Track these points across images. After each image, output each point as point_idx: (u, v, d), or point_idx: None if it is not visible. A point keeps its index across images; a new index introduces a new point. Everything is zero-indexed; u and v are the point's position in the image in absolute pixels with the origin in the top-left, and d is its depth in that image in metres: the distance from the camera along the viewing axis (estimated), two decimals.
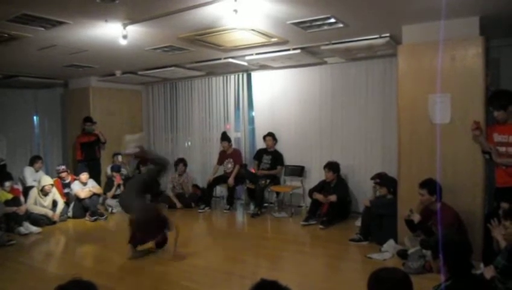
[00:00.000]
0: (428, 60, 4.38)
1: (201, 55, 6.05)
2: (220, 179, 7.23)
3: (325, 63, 6.50)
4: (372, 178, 5.45)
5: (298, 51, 5.61)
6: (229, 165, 7.14)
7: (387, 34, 4.86)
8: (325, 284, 3.86)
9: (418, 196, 4.14)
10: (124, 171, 7.68)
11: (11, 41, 4.68)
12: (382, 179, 5.25)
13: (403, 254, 4.20)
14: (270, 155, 6.99)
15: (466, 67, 4.18)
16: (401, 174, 4.67)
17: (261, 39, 4.96)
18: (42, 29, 4.25)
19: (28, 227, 5.79)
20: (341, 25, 4.41)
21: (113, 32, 4.36)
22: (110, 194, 7.26)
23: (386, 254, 4.43)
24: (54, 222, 6.23)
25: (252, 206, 6.87)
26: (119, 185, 7.30)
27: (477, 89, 4.14)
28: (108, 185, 7.39)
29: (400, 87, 4.62)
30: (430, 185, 4.04)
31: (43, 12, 3.78)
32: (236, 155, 7.21)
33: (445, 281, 2.25)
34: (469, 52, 4.17)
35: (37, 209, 6.11)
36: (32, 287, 3.84)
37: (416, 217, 4.10)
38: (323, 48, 5.36)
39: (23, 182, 7.02)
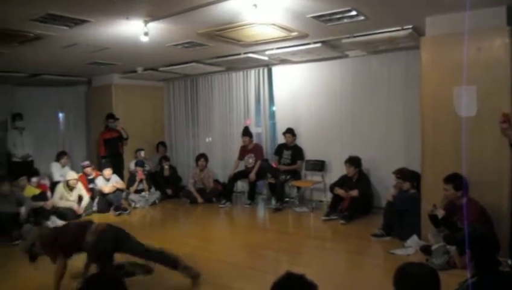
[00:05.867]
0: (453, 52, 4.26)
1: (222, 51, 6.06)
2: (241, 174, 7.26)
3: (346, 56, 6.42)
4: (394, 172, 5.37)
5: (318, 44, 5.55)
6: (250, 160, 7.16)
7: (410, 26, 4.76)
8: (346, 280, 3.83)
9: (442, 190, 4.06)
10: (147, 166, 7.79)
11: (36, 40, 4.79)
12: (403, 175, 5.17)
13: (426, 250, 4.14)
14: (290, 150, 6.97)
15: (492, 58, 4.06)
16: (424, 169, 4.59)
17: (281, 33, 4.94)
18: (66, 28, 4.33)
19: (54, 221, 5.94)
20: (362, 18, 4.34)
21: (135, 30, 4.41)
22: (132, 189, 7.38)
23: (410, 249, 4.38)
24: (79, 216, 6.38)
25: (273, 201, 6.87)
26: (141, 180, 7.41)
27: (504, 81, 4.01)
28: (131, 180, 7.52)
29: (423, 80, 4.53)
30: (455, 180, 3.96)
31: (66, 12, 3.85)
32: (257, 150, 7.22)
33: (471, 277, 2.20)
34: (496, 42, 4.04)
35: (63, 204, 6.27)
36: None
37: (440, 213, 4.02)
38: (343, 41, 5.30)
39: (50, 178, 7.21)
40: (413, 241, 4.46)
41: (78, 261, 3.89)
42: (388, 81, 6.14)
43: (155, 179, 7.84)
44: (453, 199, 4.03)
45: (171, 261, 3.55)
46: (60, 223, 5.91)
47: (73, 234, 3.52)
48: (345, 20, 4.43)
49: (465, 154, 4.16)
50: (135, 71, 7.54)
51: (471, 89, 4.15)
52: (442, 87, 4.36)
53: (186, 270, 3.52)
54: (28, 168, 6.82)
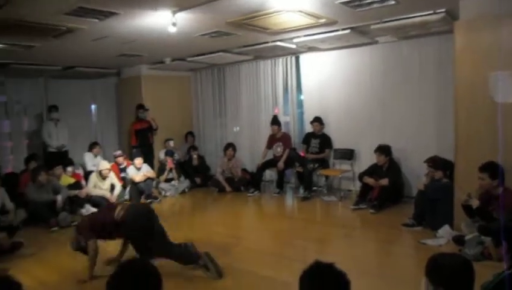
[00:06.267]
0: (489, 36, 4.09)
1: (249, 39, 6.03)
2: (270, 163, 7.27)
3: (376, 42, 6.27)
4: (426, 161, 5.26)
5: (347, 31, 5.44)
6: (279, 149, 7.16)
7: (443, 10, 4.57)
8: (376, 269, 3.80)
9: (476, 179, 3.94)
10: (176, 156, 7.92)
11: (68, 33, 4.90)
12: (435, 163, 5.04)
13: (459, 240, 4.04)
14: (318, 139, 6.92)
15: None
16: (458, 157, 4.46)
17: (309, 20, 4.87)
18: (96, 20, 4.41)
19: (89, 209, 6.14)
20: (393, 2, 4.21)
21: (163, 21, 4.44)
22: (162, 178, 7.53)
23: (441, 239, 4.28)
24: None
25: (301, 190, 6.86)
26: (171, 170, 7.55)
27: None
28: (161, 169, 7.67)
29: (457, 66, 4.37)
30: (491, 169, 3.83)
31: (96, 5, 3.92)
32: (285, 139, 7.20)
33: (508, 268, 2.14)
34: None
35: (96, 192, 6.46)
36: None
37: (474, 202, 3.91)
38: (373, 27, 5.16)
39: (83, 167, 7.45)
40: (445, 231, 4.36)
41: (112, 246, 4.03)
42: (420, 68, 5.96)
43: (184, 168, 7.96)
44: (489, 189, 3.91)
45: (193, 255, 3.59)
46: (94, 210, 6.11)
47: (103, 212, 3.75)
48: (375, 5, 4.31)
49: (502, 141, 4.00)
50: (163, 62, 7.63)
51: (508, 75, 3.98)
52: (478, 73, 4.20)
53: (207, 266, 3.55)
54: (63, 158, 7.06)
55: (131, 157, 7.47)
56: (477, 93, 4.22)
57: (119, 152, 7.45)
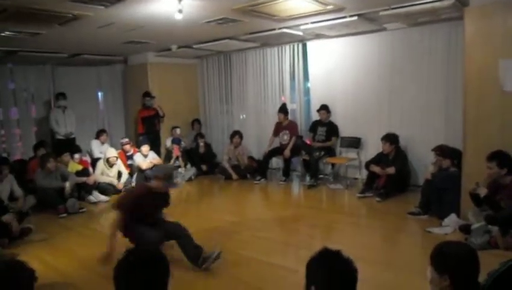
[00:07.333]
0: (500, 22, 4.02)
1: (256, 26, 5.97)
2: (276, 151, 7.27)
3: (384, 29, 6.18)
4: (433, 149, 5.22)
5: (355, 18, 5.36)
6: (285, 137, 7.15)
7: None
8: (381, 257, 3.81)
9: (484, 169, 3.91)
10: (182, 143, 7.94)
11: (74, 21, 4.88)
12: (443, 152, 5.01)
13: (465, 229, 4.03)
14: (325, 127, 6.89)
15: None
16: (466, 146, 4.42)
17: (316, 7, 4.81)
18: (102, 7, 4.39)
19: (97, 196, 6.22)
20: None
21: (169, 7, 4.41)
22: None
23: (447, 228, 4.28)
24: (120, 191, 6.62)
25: (307, 178, 6.86)
26: (177, 157, 7.58)
27: None
28: (168, 157, 7.70)
29: (467, 53, 4.31)
30: (499, 158, 3.80)
31: None
32: (292, 127, 7.19)
33: None
34: None
35: (104, 179, 6.52)
36: (101, 250, 4.13)
37: (482, 191, 3.88)
38: (381, 13, 5.08)
39: (90, 154, 7.49)
40: (451, 220, 4.35)
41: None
42: (429, 55, 5.86)
43: (190, 156, 7.98)
44: (497, 178, 3.88)
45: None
46: (102, 197, 6.19)
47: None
48: None
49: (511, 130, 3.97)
50: (169, 49, 7.60)
51: None
52: (487, 60, 4.14)
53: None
54: (70, 145, 7.10)
55: (138, 145, 7.50)
56: (487, 81, 4.17)
57: (126, 140, 7.48)
